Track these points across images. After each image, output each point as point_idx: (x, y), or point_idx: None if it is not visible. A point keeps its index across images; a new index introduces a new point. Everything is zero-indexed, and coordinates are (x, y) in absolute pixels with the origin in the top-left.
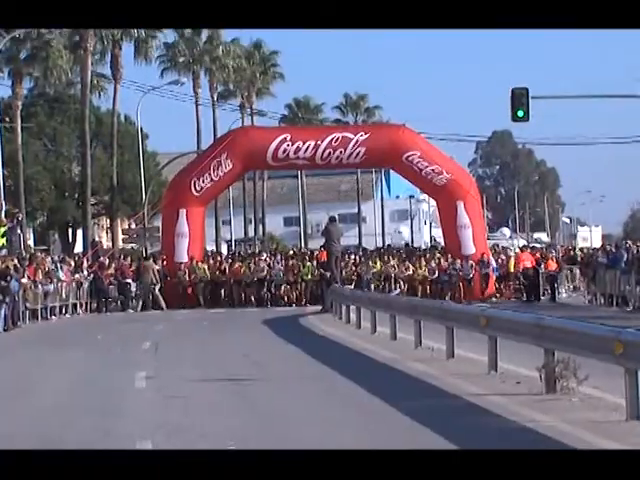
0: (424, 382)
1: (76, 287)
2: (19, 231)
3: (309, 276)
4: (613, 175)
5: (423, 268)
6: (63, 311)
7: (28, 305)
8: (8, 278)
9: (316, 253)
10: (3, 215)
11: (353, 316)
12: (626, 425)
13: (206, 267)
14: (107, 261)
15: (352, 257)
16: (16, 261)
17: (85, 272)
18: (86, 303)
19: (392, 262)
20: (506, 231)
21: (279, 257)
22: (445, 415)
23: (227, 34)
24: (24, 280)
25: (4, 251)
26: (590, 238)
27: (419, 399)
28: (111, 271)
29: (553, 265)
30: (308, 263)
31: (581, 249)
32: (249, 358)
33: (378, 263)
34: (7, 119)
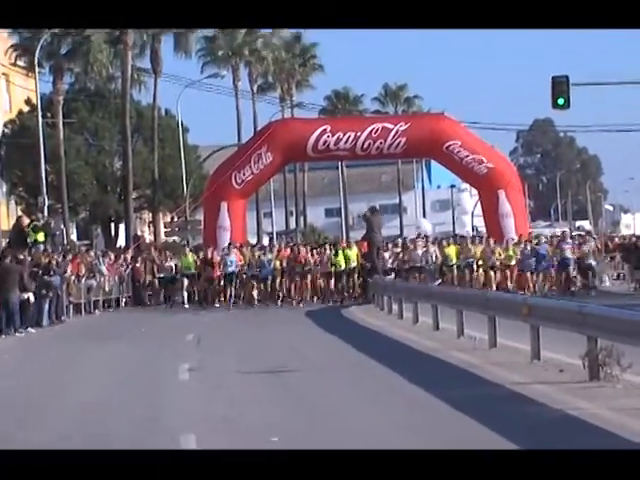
0: (466, 371)
1: (118, 281)
2: (62, 226)
3: (342, 265)
4: None
5: (511, 251)
6: (106, 305)
7: (72, 299)
8: (51, 273)
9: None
10: (46, 211)
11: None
12: None
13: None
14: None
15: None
16: (57, 256)
17: (126, 266)
18: (129, 297)
19: (470, 246)
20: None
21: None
22: (488, 404)
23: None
24: (67, 275)
25: (49, 247)
26: (634, 225)
27: (461, 388)
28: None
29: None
30: (348, 251)
31: (623, 236)
32: (292, 349)
33: (452, 247)
34: (49, 115)
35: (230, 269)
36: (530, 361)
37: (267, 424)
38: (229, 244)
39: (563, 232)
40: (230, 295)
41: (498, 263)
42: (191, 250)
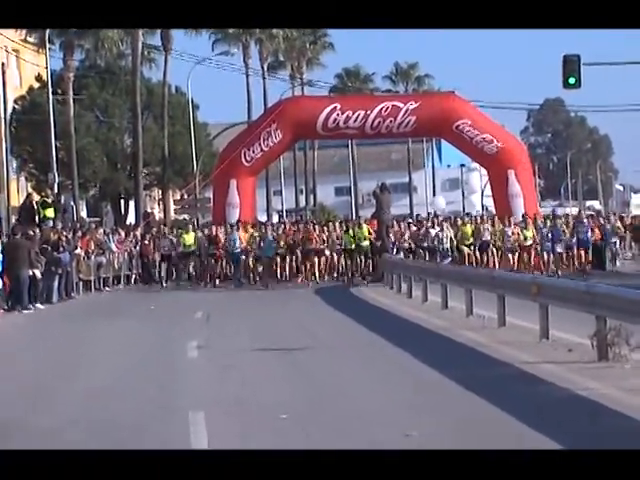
0: (475, 350)
1: (128, 258)
2: (72, 203)
3: (352, 244)
4: None
5: (530, 231)
6: (115, 282)
7: (81, 277)
8: (60, 250)
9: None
10: (56, 187)
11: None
12: None
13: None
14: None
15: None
16: (67, 233)
17: (135, 243)
18: (138, 274)
19: (487, 226)
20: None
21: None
22: (497, 383)
23: None
24: (77, 252)
25: (58, 223)
26: None
27: (470, 367)
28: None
29: (597, 234)
30: (358, 230)
31: (634, 216)
32: (302, 328)
33: (469, 226)
34: (59, 91)
35: (235, 249)
36: (539, 340)
37: (276, 402)
38: (235, 222)
39: (579, 212)
40: (235, 274)
41: (516, 244)
42: (194, 228)
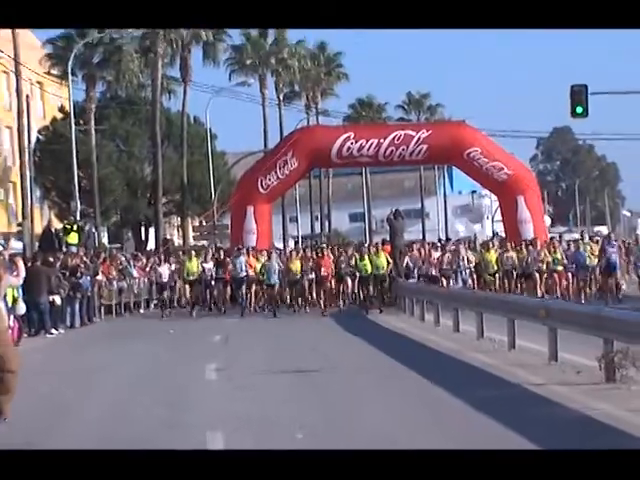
0: (486, 372)
1: (148, 283)
2: (94, 230)
3: (368, 271)
4: None
5: (559, 254)
6: (136, 307)
7: (103, 301)
8: (78, 275)
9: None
10: (78, 215)
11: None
12: None
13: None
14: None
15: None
16: (86, 258)
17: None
18: (157, 299)
19: (511, 253)
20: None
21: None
22: (507, 404)
23: (292, 36)
24: (98, 277)
25: (81, 249)
26: None
27: (481, 389)
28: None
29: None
30: (375, 258)
31: (623, 241)
32: (316, 350)
33: (492, 252)
34: (81, 122)
35: (240, 274)
36: (548, 362)
37: (293, 421)
38: (238, 248)
39: (609, 234)
40: (240, 299)
41: (544, 267)
42: (197, 255)
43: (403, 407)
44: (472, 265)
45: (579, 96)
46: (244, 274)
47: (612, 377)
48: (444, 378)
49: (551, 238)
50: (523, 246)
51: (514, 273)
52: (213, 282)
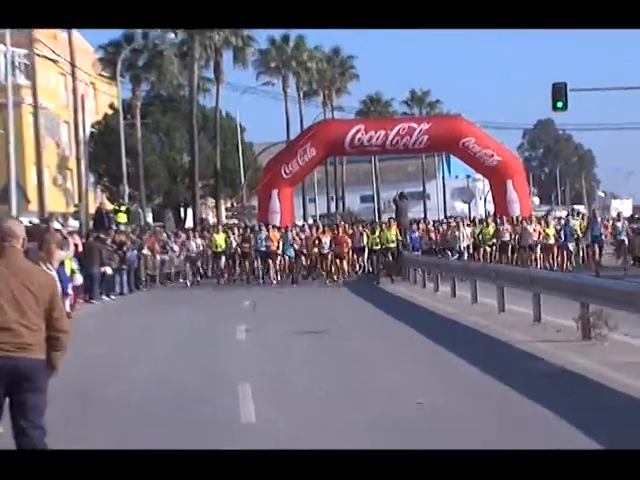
0: (478, 331)
1: (186, 257)
2: (140, 210)
3: (378, 244)
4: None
5: (552, 228)
6: (176, 277)
7: (148, 272)
8: (125, 249)
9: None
10: (126, 198)
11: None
12: None
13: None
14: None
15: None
16: (133, 235)
17: (193, 244)
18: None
19: (506, 226)
20: (535, 199)
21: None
22: (496, 358)
23: (311, 41)
24: (144, 251)
25: (129, 228)
26: (622, 209)
27: (473, 345)
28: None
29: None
30: (387, 232)
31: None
32: (332, 312)
33: (491, 227)
34: (128, 117)
35: (261, 247)
36: (532, 323)
37: (311, 376)
38: (259, 226)
39: (594, 211)
40: (262, 269)
41: (538, 242)
42: (224, 230)
43: (404, 361)
44: (470, 239)
45: (559, 92)
46: (264, 248)
47: (588, 335)
48: (439, 335)
49: (546, 214)
50: (518, 221)
51: (510, 245)
52: (237, 255)
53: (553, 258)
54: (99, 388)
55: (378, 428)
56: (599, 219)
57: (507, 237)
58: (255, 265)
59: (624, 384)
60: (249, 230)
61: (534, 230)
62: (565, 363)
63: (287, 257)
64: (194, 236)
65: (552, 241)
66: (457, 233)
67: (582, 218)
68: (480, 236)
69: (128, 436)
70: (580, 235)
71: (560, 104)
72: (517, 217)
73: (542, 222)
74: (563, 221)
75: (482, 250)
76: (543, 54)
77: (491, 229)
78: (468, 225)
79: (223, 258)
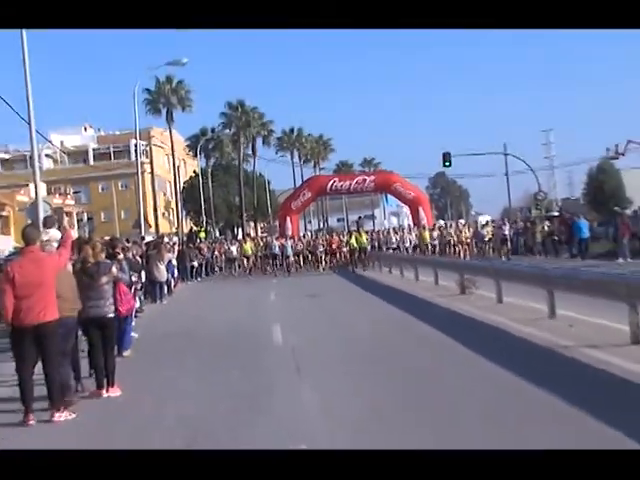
0: (405, 292)
1: (226, 258)
2: (212, 230)
3: (355, 245)
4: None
5: (468, 232)
6: (234, 269)
7: (217, 265)
8: (203, 252)
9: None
10: (204, 223)
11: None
12: (498, 305)
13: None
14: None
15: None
16: (208, 244)
17: (233, 249)
18: (225, 266)
19: (450, 230)
20: (441, 221)
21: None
22: (413, 305)
23: (306, 131)
24: (215, 254)
25: (206, 240)
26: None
27: (404, 301)
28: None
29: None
30: (359, 237)
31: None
32: (323, 286)
33: (427, 233)
34: (205, 178)
35: (273, 250)
36: (434, 286)
37: (312, 318)
38: (274, 236)
39: (502, 218)
40: (274, 266)
41: (464, 239)
42: (252, 239)
43: (362, 307)
44: (413, 241)
45: (446, 156)
46: (276, 251)
47: (463, 291)
48: (387, 297)
49: (457, 224)
50: (442, 228)
51: (437, 244)
52: (260, 257)
53: (470, 252)
54: (195, 328)
55: (348, 338)
56: (506, 224)
57: (435, 239)
58: (271, 262)
59: (482, 316)
60: (268, 239)
61: (456, 232)
62: (451, 307)
63: (289, 257)
64: (232, 244)
65: (467, 240)
66: (391, 237)
67: (488, 225)
68: (420, 239)
69: (217, 351)
70: (491, 236)
71: (447, 163)
72: (440, 226)
73: (466, 229)
74: (479, 228)
75: (424, 247)
76: (438, 126)
77: (427, 234)
78: (410, 232)
79: (252, 259)
